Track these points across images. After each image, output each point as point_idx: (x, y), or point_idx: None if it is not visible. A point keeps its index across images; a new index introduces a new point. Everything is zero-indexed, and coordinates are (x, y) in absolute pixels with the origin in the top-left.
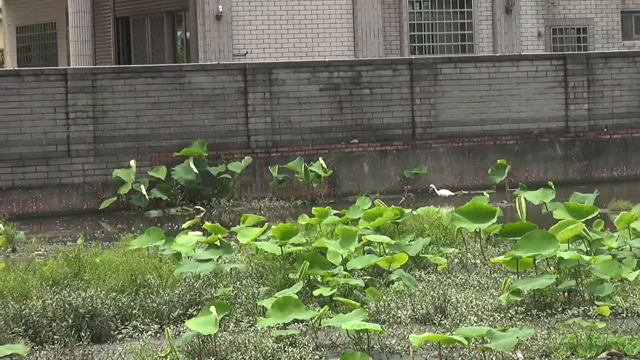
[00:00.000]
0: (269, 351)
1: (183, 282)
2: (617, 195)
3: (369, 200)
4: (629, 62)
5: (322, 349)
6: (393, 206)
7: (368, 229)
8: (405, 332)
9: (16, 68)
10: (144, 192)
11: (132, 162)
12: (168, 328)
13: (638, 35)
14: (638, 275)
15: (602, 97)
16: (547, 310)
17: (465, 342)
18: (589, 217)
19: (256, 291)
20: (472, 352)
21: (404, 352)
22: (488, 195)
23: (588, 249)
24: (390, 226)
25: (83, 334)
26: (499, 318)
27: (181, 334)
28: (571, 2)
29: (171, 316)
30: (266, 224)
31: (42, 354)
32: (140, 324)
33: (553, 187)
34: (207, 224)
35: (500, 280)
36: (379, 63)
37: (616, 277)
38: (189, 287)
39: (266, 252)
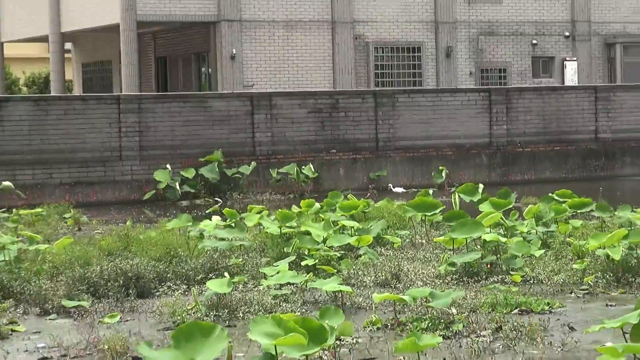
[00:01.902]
0: (268, 305)
1: (205, 254)
2: (527, 193)
3: (342, 195)
4: (537, 95)
5: (308, 304)
6: (362, 199)
7: (344, 215)
8: (369, 293)
9: (82, 94)
10: (177, 187)
11: (168, 165)
12: (194, 288)
13: (544, 74)
14: (541, 252)
15: (517, 121)
16: (475, 277)
17: (413, 301)
18: (506, 209)
19: (259, 261)
20: (419, 308)
21: (367, 307)
22: (432, 192)
23: (505, 232)
24: (359, 214)
25: (130, 292)
26: (438, 283)
27: (203, 292)
28: (494, 50)
29: (196, 279)
30: (265, 211)
31: (99, 306)
32: (173, 285)
33: (480, 187)
34: (227, 209)
35: (440, 255)
36: (351, 93)
37: (526, 253)
38: (209, 258)
39: (267, 231)
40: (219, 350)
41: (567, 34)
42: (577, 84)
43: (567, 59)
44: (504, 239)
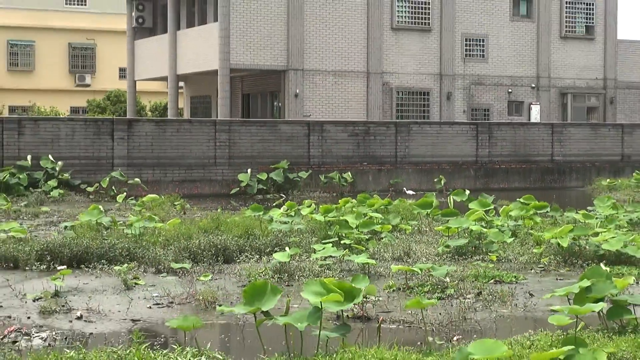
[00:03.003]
0: (316, 272)
1: (272, 234)
2: (502, 198)
3: (370, 195)
4: (510, 128)
5: (344, 272)
6: (385, 199)
7: (371, 209)
8: (388, 265)
9: (189, 118)
10: (255, 185)
11: (249, 170)
12: (264, 257)
13: (516, 113)
14: (511, 240)
15: (496, 146)
16: (463, 256)
17: (419, 271)
18: (487, 209)
19: (310, 240)
20: (423, 277)
21: (386, 275)
22: (434, 194)
23: (486, 224)
24: (382, 209)
25: (219, 259)
26: (437, 259)
27: (270, 261)
28: (481, 95)
29: (265, 251)
30: (313, 204)
31: (197, 268)
32: (249, 255)
33: (467, 192)
34: (289, 202)
35: (439, 240)
36: (379, 123)
37: (500, 240)
38: (275, 236)
39: (316, 219)
40: (275, 301)
41: (533, 85)
42: (539, 121)
43: (533, 103)
44: (484, 230)
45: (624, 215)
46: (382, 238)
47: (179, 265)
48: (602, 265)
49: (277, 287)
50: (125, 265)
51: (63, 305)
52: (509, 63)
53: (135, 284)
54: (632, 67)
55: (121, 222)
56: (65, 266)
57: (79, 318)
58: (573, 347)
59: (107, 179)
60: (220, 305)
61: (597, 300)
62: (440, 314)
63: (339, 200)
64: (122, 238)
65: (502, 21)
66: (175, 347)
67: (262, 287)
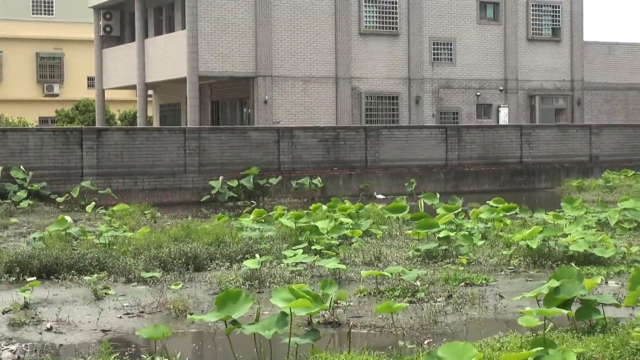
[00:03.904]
0: (287, 278)
1: (243, 241)
2: (472, 200)
3: (340, 200)
4: (479, 131)
5: (315, 277)
6: (356, 203)
7: (342, 214)
8: (358, 270)
9: (159, 126)
10: (225, 192)
11: (219, 178)
12: (234, 265)
13: (484, 116)
14: (481, 242)
15: (465, 149)
16: (433, 259)
17: (390, 275)
18: (457, 212)
19: (281, 246)
20: (394, 281)
21: (357, 280)
22: (405, 198)
23: (455, 227)
24: (353, 214)
25: (190, 267)
26: (408, 263)
27: (241, 268)
28: (450, 99)
29: (236, 258)
30: (284, 211)
31: (167, 277)
32: (219, 262)
33: (438, 195)
34: (256, 210)
35: (409, 243)
36: (348, 128)
37: (470, 243)
38: (245, 243)
39: (287, 225)
40: (246, 309)
41: (501, 88)
42: (507, 124)
43: (501, 105)
44: (452, 234)
45: (592, 216)
46: (353, 243)
47: (150, 274)
48: (572, 265)
49: (249, 294)
50: (95, 275)
51: (33, 317)
52: (477, 66)
53: (106, 294)
54: (598, 69)
55: (91, 232)
56: (34, 278)
57: (49, 330)
58: (542, 348)
59: (78, 189)
60: (191, 314)
61: (566, 301)
62: (411, 317)
63: (310, 206)
64: (92, 248)
65: (470, 24)
66: (146, 357)
67: (235, 295)
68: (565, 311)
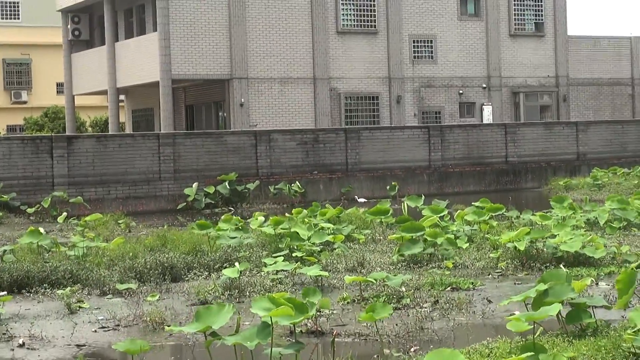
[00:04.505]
0: (267, 286)
1: (221, 249)
2: (457, 202)
3: (320, 205)
4: (462, 130)
5: (297, 285)
6: (337, 208)
7: (323, 219)
8: (341, 276)
9: (131, 132)
10: (202, 199)
11: (195, 184)
12: (213, 274)
13: (468, 115)
14: (467, 245)
15: (448, 149)
16: (418, 264)
17: (374, 281)
18: (442, 214)
19: (261, 254)
20: (378, 287)
21: (340, 287)
22: (388, 201)
23: (441, 230)
24: (334, 219)
25: (166, 277)
26: (392, 268)
27: (220, 277)
28: (432, 98)
29: (214, 267)
30: (262, 217)
31: (144, 289)
32: (197, 272)
33: (422, 197)
34: (228, 215)
35: (393, 248)
36: (328, 130)
37: (456, 246)
38: (224, 252)
39: (266, 232)
40: (226, 319)
41: (484, 85)
42: (492, 122)
43: (485, 104)
44: (439, 240)
45: (581, 216)
46: (335, 249)
47: (125, 286)
48: (562, 267)
49: (229, 304)
50: (69, 288)
51: (4, 333)
52: (459, 63)
53: (80, 307)
54: (583, 64)
55: (63, 243)
56: (5, 292)
57: (21, 346)
58: (532, 353)
59: (49, 199)
60: (168, 326)
61: (555, 304)
62: (396, 324)
63: (290, 211)
64: (65, 260)
65: (450, 21)
66: None
67: (216, 306)
68: (552, 311)
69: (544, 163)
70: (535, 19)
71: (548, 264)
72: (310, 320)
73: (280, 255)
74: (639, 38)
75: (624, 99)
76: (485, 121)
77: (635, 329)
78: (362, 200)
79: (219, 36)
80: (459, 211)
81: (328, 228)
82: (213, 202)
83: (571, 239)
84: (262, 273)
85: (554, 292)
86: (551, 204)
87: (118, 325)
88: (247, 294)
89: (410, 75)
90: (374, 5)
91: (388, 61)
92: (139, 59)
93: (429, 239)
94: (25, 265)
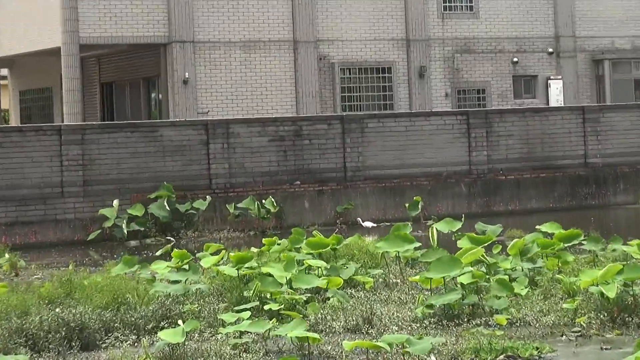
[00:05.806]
0: (227, 357)
1: (156, 300)
2: (511, 225)
3: (304, 232)
4: (519, 117)
5: (271, 354)
6: (332, 236)
7: (310, 254)
8: (339, 340)
9: (19, 125)
10: (124, 226)
11: (115, 202)
12: (144, 338)
13: (526, 95)
14: (528, 291)
15: (498, 145)
16: (455, 320)
17: (388, 348)
18: (487, 244)
19: (217, 307)
20: (394, 356)
21: (337, 357)
22: (408, 225)
23: (487, 269)
24: (327, 251)
25: (74, 344)
26: (415, 327)
27: (155, 343)
28: (472, 69)
29: (146, 328)
30: (223, 251)
31: None
32: (120, 335)
33: (463, 218)
34: (176, 251)
35: (417, 295)
36: (316, 119)
37: (511, 293)
38: (161, 304)
39: (225, 273)
40: None
41: (550, 50)
42: (562, 105)
43: (552, 77)
44: (482, 282)
45: None
46: (329, 298)
47: (11, 357)
48: None
49: None
50: None
51: None
52: (512, 18)
53: None
54: None
55: None
56: None
57: None
58: None
59: None
60: None
61: None
62: None
63: (261, 242)
64: None
65: None
66: None
67: None
68: None
69: None
70: None
71: None
72: None
73: (245, 309)
74: None
75: None
76: (553, 103)
77: None
78: (368, 224)
79: None
80: (515, 240)
81: (318, 267)
82: (143, 229)
83: None
84: (219, 336)
85: None
86: None
87: None
88: None
89: (440, 35)
90: None
91: (405, 15)
92: (31, 18)
93: (470, 282)
94: None
